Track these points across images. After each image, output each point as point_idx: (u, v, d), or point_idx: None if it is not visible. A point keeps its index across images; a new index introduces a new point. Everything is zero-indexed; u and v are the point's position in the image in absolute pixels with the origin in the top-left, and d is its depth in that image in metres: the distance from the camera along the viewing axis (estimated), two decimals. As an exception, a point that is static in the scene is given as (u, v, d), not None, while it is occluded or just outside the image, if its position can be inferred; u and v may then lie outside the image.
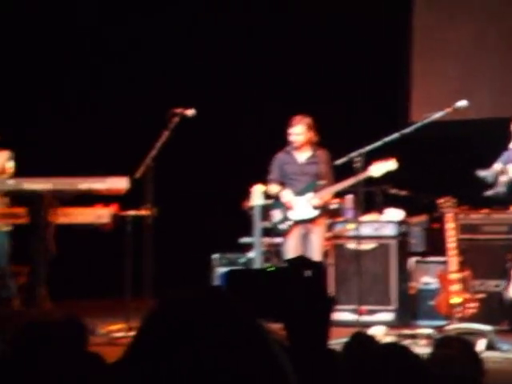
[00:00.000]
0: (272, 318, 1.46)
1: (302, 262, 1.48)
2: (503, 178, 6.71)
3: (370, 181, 7.83)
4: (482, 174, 6.73)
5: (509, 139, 6.84)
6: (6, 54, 10.37)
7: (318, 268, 1.47)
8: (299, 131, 7.91)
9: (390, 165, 7.66)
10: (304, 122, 7.89)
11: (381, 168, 7.65)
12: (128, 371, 1.18)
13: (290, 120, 7.95)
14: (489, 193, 6.88)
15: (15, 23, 10.40)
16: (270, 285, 1.44)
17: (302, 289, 1.44)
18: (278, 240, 8.32)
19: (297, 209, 7.94)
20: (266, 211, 8.05)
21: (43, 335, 2.90)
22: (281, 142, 8.15)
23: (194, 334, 1.16)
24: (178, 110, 7.53)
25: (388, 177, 7.86)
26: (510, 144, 6.77)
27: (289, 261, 1.48)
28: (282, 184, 8.04)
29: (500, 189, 6.74)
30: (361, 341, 3.42)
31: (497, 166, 6.71)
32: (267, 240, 8.42)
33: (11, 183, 7.16)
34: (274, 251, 8.50)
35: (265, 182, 8.03)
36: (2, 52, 10.34)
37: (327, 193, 7.98)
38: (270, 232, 8.29)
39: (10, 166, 7.71)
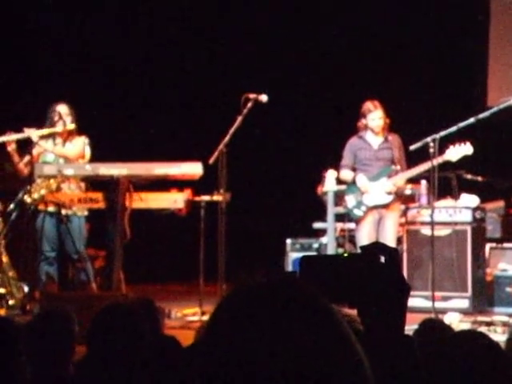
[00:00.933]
0: (346, 303, 1.46)
1: (377, 247, 1.48)
2: None
3: (445, 166, 7.74)
4: None
5: None
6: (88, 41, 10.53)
7: (394, 254, 1.47)
8: (380, 115, 7.86)
9: (466, 149, 7.55)
10: (382, 107, 7.85)
11: (457, 152, 7.55)
12: (203, 354, 1.19)
13: (367, 105, 7.90)
14: None
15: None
16: (344, 271, 1.44)
17: (377, 275, 1.44)
18: (350, 225, 8.28)
19: (371, 194, 7.89)
20: (339, 196, 8.03)
21: (122, 318, 2.95)
22: (352, 127, 8.11)
23: (269, 318, 1.17)
24: (252, 96, 7.54)
25: (463, 162, 7.75)
26: None
27: (363, 247, 1.48)
28: (354, 169, 8.01)
29: None
30: (432, 327, 3.39)
31: None
32: (340, 225, 8.40)
33: (88, 168, 7.29)
34: (347, 237, 8.47)
35: (338, 167, 8.00)
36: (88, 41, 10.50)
37: (401, 178, 7.92)
38: (343, 217, 8.26)
39: (88, 151, 7.84)
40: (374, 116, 7.88)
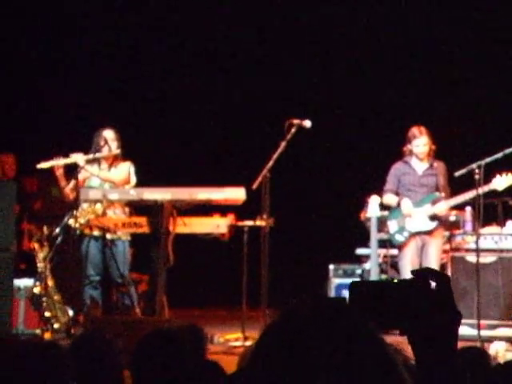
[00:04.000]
0: (396, 329, 1.46)
1: (428, 273, 1.47)
2: None
3: (491, 193, 7.68)
4: None
5: None
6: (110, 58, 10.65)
7: (445, 280, 1.45)
8: (425, 142, 7.85)
9: (513, 178, 7.51)
10: (428, 133, 7.84)
11: (504, 181, 7.50)
12: (248, 380, 1.20)
13: (413, 130, 7.89)
14: None
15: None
16: (394, 296, 1.43)
17: (428, 301, 1.42)
18: (393, 251, 8.24)
19: (414, 220, 7.85)
20: (382, 222, 8.00)
21: (165, 344, 2.96)
22: (398, 152, 8.09)
23: (316, 344, 1.17)
24: (296, 121, 7.57)
25: (509, 189, 7.69)
26: None
27: (414, 272, 1.47)
28: (398, 195, 7.98)
29: None
30: (473, 356, 3.35)
31: None
32: (383, 251, 8.36)
33: (132, 193, 7.35)
34: (390, 263, 8.42)
35: (381, 192, 7.97)
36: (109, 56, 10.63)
37: (447, 205, 7.87)
38: (386, 243, 8.22)
39: (133, 177, 7.91)
40: (419, 142, 7.86)
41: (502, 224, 8.48)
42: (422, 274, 1.45)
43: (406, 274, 7.59)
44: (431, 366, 1.41)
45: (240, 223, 7.54)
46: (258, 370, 1.19)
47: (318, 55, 10.61)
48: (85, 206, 7.56)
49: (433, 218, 7.83)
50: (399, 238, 7.90)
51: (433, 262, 7.81)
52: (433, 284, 1.46)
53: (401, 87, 10.27)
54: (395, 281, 1.46)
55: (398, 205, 7.92)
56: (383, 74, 10.37)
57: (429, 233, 7.85)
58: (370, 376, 1.16)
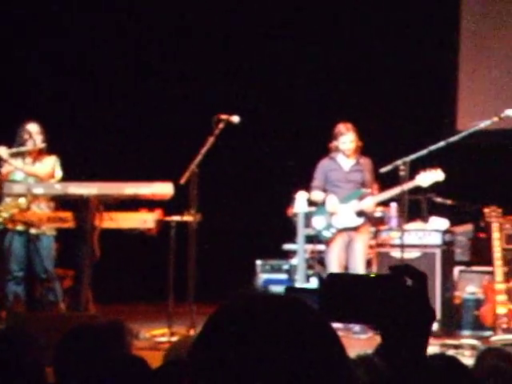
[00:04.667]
0: (369, 324, 1.46)
1: (405, 270, 1.46)
2: None
3: (415, 189, 7.79)
4: None
5: None
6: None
7: (421, 277, 1.45)
8: (352, 139, 7.92)
9: (437, 175, 7.62)
10: (355, 130, 7.91)
11: (428, 178, 7.61)
12: (190, 368, 1.19)
13: (339, 127, 7.95)
14: None
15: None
16: (369, 291, 1.42)
17: (403, 298, 1.42)
18: (321, 247, 8.31)
19: (340, 216, 7.92)
20: (309, 218, 8.05)
21: (89, 340, 2.93)
22: (324, 148, 8.15)
23: (255, 339, 1.17)
24: (224, 116, 7.56)
25: (433, 185, 7.81)
26: None
27: (392, 268, 1.47)
28: (325, 191, 8.04)
29: None
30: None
31: None
32: (310, 247, 8.42)
33: (58, 187, 7.25)
34: (317, 258, 8.49)
35: (308, 188, 8.02)
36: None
37: (373, 201, 7.96)
38: (313, 239, 8.28)
39: (58, 171, 7.80)
40: (346, 139, 7.93)
41: (426, 220, 8.62)
42: (399, 270, 1.45)
43: (332, 270, 7.66)
44: (403, 363, 1.42)
45: (167, 218, 7.50)
46: (198, 364, 1.18)
47: (246, 51, 10.61)
48: (8, 200, 7.43)
49: (359, 214, 7.91)
50: (326, 234, 7.97)
51: (359, 258, 7.89)
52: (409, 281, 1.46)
53: (328, 83, 10.34)
54: (372, 275, 1.46)
55: (325, 201, 7.98)
56: (310, 70, 10.43)
57: (355, 229, 7.93)
58: (312, 370, 1.16)
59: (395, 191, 7.56)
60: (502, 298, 7.61)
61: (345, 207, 7.92)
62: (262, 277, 8.81)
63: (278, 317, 1.20)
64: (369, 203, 7.94)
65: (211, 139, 7.50)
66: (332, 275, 1.45)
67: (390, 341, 1.41)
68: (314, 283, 8.08)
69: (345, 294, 1.42)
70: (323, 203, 8.01)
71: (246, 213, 10.27)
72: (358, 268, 7.79)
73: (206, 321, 1.23)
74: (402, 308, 1.40)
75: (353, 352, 3.58)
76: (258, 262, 8.90)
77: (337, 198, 7.96)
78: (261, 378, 1.15)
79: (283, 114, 10.43)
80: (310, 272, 8.31)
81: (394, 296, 1.41)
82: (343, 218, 7.92)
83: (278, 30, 10.60)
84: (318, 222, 8.02)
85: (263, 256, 8.92)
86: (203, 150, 7.45)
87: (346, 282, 1.44)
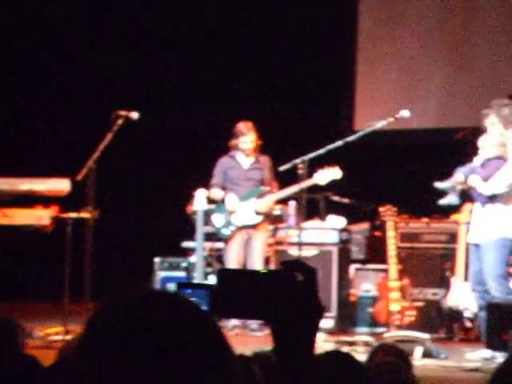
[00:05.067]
0: (261, 320, 1.46)
1: (296, 266, 1.46)
2: (459, 189, 6.83)
3: (313, 187, 7.88)
4: (442, 185, 6.82)
5: (474, 152, 6.95)
6: None
7: (311, 273, 1.46)
8: (252, 139, 7.97)
9: (334, 173, 7.73)
10: (255, 129, 7.96)
11: (326, 176, 7.72)
12: (70, 372, 1.17)
13: (240, 127, 7.97)
14: (442, 201, 6.95)
15: None
16: (261, 287, 1.43)
17: (293, 294, 1.42)
18: (219, 245, 8.32)
19: (240, 214, 7.96)
20: (208, 216, 8.05)
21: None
22: (224, 146, 8.16)
23: (137, 336, 1.15)
24: (123, 113, 7.49)
25: (331, 184, 7.92)
26: (475, 158, 6.89)
27: (283, 263, 1.47)
28: (224, 188, 8.06)
29: (453, 198, 6.83)
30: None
31: (458, 176, 6.82)
32: (209, 245, 8.42)
33: (-51, 182, 7.04)
34: (216, 256, 8.49)
35: (208, 186, 8.02)
36: None
37: (271, 199, 8.02)
38: (212, 236, 8.29)
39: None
40: (246, 139, 7.98)
41: (323, 218, 8.74)
42: (290, 266, 1.45)
43: (229, 267, 7.69)
44: (291, 358, 1.42)
45: (64, 215, 7.38)
46: (82, 362, 1.17)
47: (146, 47, 10.54)
48: None
49: (258, 211, 7.96)
50: (225, 231, 7.99)
51: (257, 256, 7.94)
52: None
53: (228, 81, 10.36)
54: (263, 271, 1.46)
55: (224, 199, 8.00)
56: (211, 68, 10.43)
57: (254, 226, 7.98)
58: (196, 369, 1.16)
59: (293, 189, 7.63)
60: (395, 295, 7.78)
61: (244, 205, 7.96)
62: (160, 274, 8.76)
63: (159, 315, 1.19)
64: (267, 201, 8.00)
65: (109, 135, 7.41)
66: (224, 271, 1.45)
67: (279, 336, 1.42)
68: (212, 281, 8.08)
69: (236, 290, 1.42)
70: (222, 201, 8.03)
71: (145, 210, 10.20)
72: (256, 266, 7.84)
73: (86, 321, 1.21)
74: (292, 303, 1.41)
75: (250, 349, 3.59)
76: (156, 260, 8.84)
77: (236, 196, 8.00)
78: (142, 377, 1.14)
79: (183, 112, 10.39)
80: (209, 270, 8.31)
81: (283, 291, 1.42)
82: (242, 215, 7.95)
83: (176, 28, 10.56)
84: (217, 220, 8.04)
85: (162, 254, 8.87)
86: (101, 146, 7.36)
87: (237, 277, 1.44)
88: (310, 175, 7.58)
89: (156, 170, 10.26)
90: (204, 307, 1.35)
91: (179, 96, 10.43)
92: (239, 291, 1.42)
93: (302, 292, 1.43)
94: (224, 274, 1.46)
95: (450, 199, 6.84)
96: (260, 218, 7.98)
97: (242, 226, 7.96)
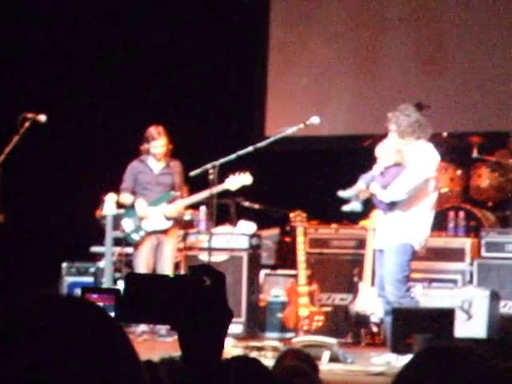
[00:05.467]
0: (168, 325, 1.45)
1: (204, 270, 1.45)
2: (362, 196, 6.92)
3: (224, 193, 7.89)
4: (345, 194, 6.90)
5: (373, 161, 7.05)
6: None
7: (220, 278, 1.45)
8: (164, 143, 7.94)
9: (245, 178, 7.77)
10: (166, 134, 7.94)
11: (237, 181, 7.75)
12: None
13: (151, 131, 7.93)
14: (345, 208, 7.04)
15: None
16: (168, 291, 1.41)
17: (201, 298, 1.41)
18: (129, 250, 8.25)
19: (150, 219, 7.91)
20: (118, 220, 7.98)
21: None
22: (134, 150, 8.11)
23: (36, 340, 1.14)
24: (30, 115, 7.37)
25: (242, 189, 7.94)
26: (374, 166, 6.97)
27: (191, 267, 1.46)
28: (134, 193, 8.01)
29: (356, 205, 6.93)
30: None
31: (360, 184, 6.91)
32: (118, 249, 8.34)
33: None
34: (125, 261, 8.42)
35: (118, 190, 7.95)
36: None
37: (182, 204, 8.00)
38: (121, 241, 8.22)
39: None
40: (158, 144, 7.96)
41: (234, 224, 8.75)
42: (198, 270, 1.44)
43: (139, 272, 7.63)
44: (199, 364, 1.41)
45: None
46: None
47: (55, 50, 10.39)
48: None
49: (168, 217, 7.93)
50: (135, 236, 7.94)
51: (167, 261, 7.91)
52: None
53: (140, 86, 10.29)
54: (171, 275, 1.45)
55: (134, 204, 7.95)
56: (123, 72, 10.34)
57: (164, 232, 7.94)
58: (97, 374, 1.14)
59: (204, 194, 7.62)
60: (304, 300, 7.85)
61: (154, 210, 7.92)
62: (68, 280, 8.64)
63: (59, 320, 1.17)
64: (178, 206, 7.98)
65: (16, 138, 7.28)
66: (131, 276, 1.44)
67: (187, 341, 1.42)
68: (121, 286, 8.00)
69: (143, 295, 1.41)
70: (132, 206, 7.97)
71: (53, 214, 10.03)
72: (166, 271, 7.80)
73: None
74: (200, 308, 1.41)
75: (158, 355, 3.57)
76: (64, 265, 8.71)
77: (146, 201, 7.95)
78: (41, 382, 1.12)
79: (93, 115, 10.27)
80: (118, 275, 8.23)
81: (191, 296, 1.42)
82: (152, 220, 7.91)
83: (87, 29, 10.44)
84: (127, 225, 7.98)
85: (69, 258, 8.74)
86: (7, 149, 7.22)
87: (144, 282, 1.43)
88: (221, 181, 7.59)
89: (65, 174, 10.10)
90: (111, 312, 1.33)
91: (89, 99, 10.31)
92: (146, 296, 1.42)
93: (210, 296, 1.43)
94: (131, 279, 1.45)
95: (353, 206, 6.93)
96: (170, 223, 7.95)
97: (152, 231, 7.92)
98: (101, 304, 1.39)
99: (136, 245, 7.95)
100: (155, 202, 7.95)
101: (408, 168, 6.77)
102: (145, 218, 7.91)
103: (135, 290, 1.41)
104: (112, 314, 1.36)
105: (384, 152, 6.89)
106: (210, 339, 1.41)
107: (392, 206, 6.78)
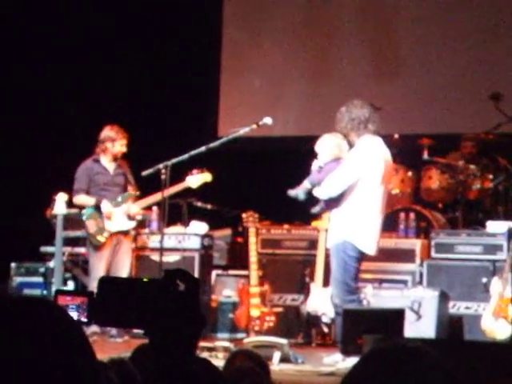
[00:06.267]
0: (140, 329, 1.43)
1: (179, 275, 1.43)
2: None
3: (176, 193, 7.86)
4: (293, 193, 6.89)
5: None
6: None
7: (195, 283, 1.43)
8: (123, 143, 7.92)
9: (205, 176, 7.80)
10: (125, 134, 7.91)
11: (198, 179, 7.77)
12: None
13: (110, 131, 7.87)
14: (314, 210, 7.03)
15: None
16: (141, 295, 1.39)
17: (176, 303, 1.39)
18: (79, 250, 8.20)
19: (114, 220, 7.87)
20: (68, 220, 7.92)
21: None
22: (84, 149, 8.05)
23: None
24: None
25: (198, 189, 7.94)
26: (313, 162, 6.94)
27: (167, 272, 1.44)
28: (89, 194, 7.95)
29: (323, 205, 6.90)
30: (144, 353, 3.40)
31: (306, 183, 6.90)
32: (68, 249, 8.27)
33: None
34: (76, 261, 8.35)
35: (68, 190, 7.88)
36: None
37: (144, 203, 7.97)
38: (72, 241, 8.15)
39: None
40: (121, 143, 7.93)
41: (186, 224, 8.73)
42: (173, 275, 1.42)
43: (99, 274, 7.58)
44: (171, 368, 1.40)
45: None
46: None
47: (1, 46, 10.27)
48: None
49: (131, 217, 7.92)
50: (100, 238, 7.88)
51: (126, 261, 7.91)
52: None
53: (93, 86, 10.22)
54: (145, 280, 1.43)
55: (96, 205, 7.89)
56: (78, 71, 10.26)
57: (124, 232, 7.92)
58: (54, 374, 1.13)
59: (165, 193, 7.53)
60: (255, 300, 7.86)
61: (117, 211, 7.88)
62: (16, 280, 8.53)
63: (16, 319, 1.16)
64: (138, 206, 7.96)
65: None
66: (104, 279, 1.43)
67: (159, 344, 1.41)
68: (70, 286, 7.94)
69: (117, 299, 1.40)
70: (94, 206, 7.92)
71: (2, 213, 9.91)
72: (124, 271, 7.79)
73: None
74: (174, 312, 1.40)
75: (108, 356, 3.54)
76: (13, 265, 8.60)
77: (109, 202, 7.91)
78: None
79: (45, 113, 10.17)
80: (68, 275, 8.16)
81: (165, 300, 1.40)
82: (116, 221, 7.88)
83: (34, 25, 10.33)
84: (91, 226, 7.91)
85: (18, 258, 8.63)
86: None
87: (118, 286, 1.42)
88: (179, 179, 7.60)
89: (14, 173, 9.99)
90: (84, 315, 1.32)
91: (43, 97, 10.20)
92: (120, 300, 1.40)
93: (184, 302, 1.42)
94: (104, 282, 1.43)
95: (322, 206, 6.91)
96: (133, 224, 7.96)
97: (116, 231, 7.88)
98: (74, 307, 1.37)
99: (99, 246, 7.89)
100: (117, 203, 7.92)
101: (341, 164, 6.72)
102: (108, 218, 7.87)
103: (109, 293, 1.40)
104: (85, 318, 1.34)
105: (322, 148, 6.88)
106: (183, 343, 1.41)
107: (331, 203, 6.70)
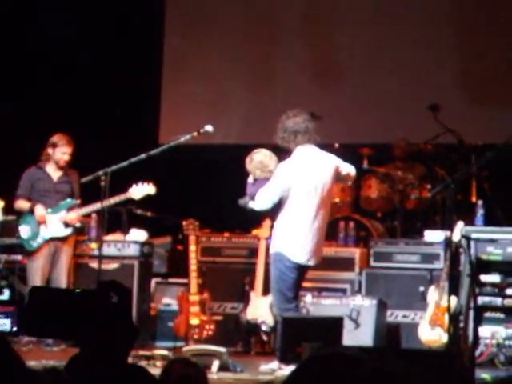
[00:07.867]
0: (72, 339, 1.41)
1: (111, 286, 1.42)
2: None
3: (123, 201, 7.84)
4: (242, 202, 6.89)
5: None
6: None
7: (126, 295, 1.41)
8: (70, 151, 7.85)
9: (149, 188, 7.74)
10: (72, 142, 7.85)
11: (141, 190, 7.72)
12: None
13: (59, 139, 7.83)
14: (241, 201, 7.02)
15: None
16: (72, 306, 1.37)
17: (108, 314, 1.38)
18: (16, 257, 8.09)
19: (49, 226, 7.80)
20: (6, 227, 7.83)
21: None
22: (25, 156, 7.96)
23: None
24: None
25: (145, 198, 7.89)
26: (249, 178, 6.93)
27: (100, 283, 1.42)
28: (30, 200, 7.88)
29: (245, 199, 6.90)
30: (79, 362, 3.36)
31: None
32: (5, 257, 8.16)
33: None
34: (12, 269, 8.23)
35: (7, 197, 7.79)
36: None
37: (82, 212, 7.90)
38: (9, 248, 8.04)
39: None
40: (65, 151, 7.86)
41: (125, 232, 8.67)
42: (105, 286, 1.41)
43: (36, 281, 7.51)
44: (102, 375, 1.38)
45: None
46: None
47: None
48: None
49: (67, 224, 7.85)
50: (33, 243, 7.81)
51: (64, 269, 7.87)
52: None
53: (35, 92, 10.13)
54: (77, 291, 1.41)
55: (31, 210, 7.82)
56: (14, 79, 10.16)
57: (62, 239, 7.85)
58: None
59: (105, 203, 7.46)
60: (195, 309, 7.83)
61: (53, 217, 7.82)
62: None
63: None
64: (77, 214, 7.89)
65: None
66: (36, 289, 1.41)
67: (91, 355, 1.39)
68: (6, 295, 7.82)
69: (48, 309, 1.38)
70: (29, 212, 7.84)
71: None
72: (62, 279, 7.74)
73: None
74: (106, 324, 1.38)
75: (43, 364, 3.49)
76: None
77: (45, 208, 7.83)
78: None
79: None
80: (3, 283, 8.05)
81: (98, 312, 1.39)
82: (51, 228, 7.81)
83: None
84: (24, 231, 7.83)
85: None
86: None
87: (49, 296, 1.40)
88: (125, 190, 7.56)
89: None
90: (14, 325, 1.30)
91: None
92: (51, 310, 1.38)
93: (116, 313, 1.40)
94: (36, 292, 1.41)
95: (247, 201, 6.91)
96: (69, 231, 7.89)
97: (50, 238, 7.81)
98: (3, 316, 1.36)
99: (33, 252, 7.81)
100: (55, 210, 7.86)
101: (272, 176, 6.67)
102: (43, 224, 7.79)
103: (40, 303, 1.38)
104: (14, 327, 1.33)
105: (248, 168, 6.85)
106: (115, 354, 1.39)
107: (273, 214, 6.72)
